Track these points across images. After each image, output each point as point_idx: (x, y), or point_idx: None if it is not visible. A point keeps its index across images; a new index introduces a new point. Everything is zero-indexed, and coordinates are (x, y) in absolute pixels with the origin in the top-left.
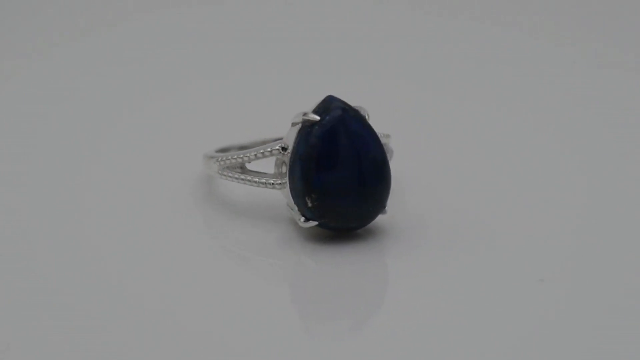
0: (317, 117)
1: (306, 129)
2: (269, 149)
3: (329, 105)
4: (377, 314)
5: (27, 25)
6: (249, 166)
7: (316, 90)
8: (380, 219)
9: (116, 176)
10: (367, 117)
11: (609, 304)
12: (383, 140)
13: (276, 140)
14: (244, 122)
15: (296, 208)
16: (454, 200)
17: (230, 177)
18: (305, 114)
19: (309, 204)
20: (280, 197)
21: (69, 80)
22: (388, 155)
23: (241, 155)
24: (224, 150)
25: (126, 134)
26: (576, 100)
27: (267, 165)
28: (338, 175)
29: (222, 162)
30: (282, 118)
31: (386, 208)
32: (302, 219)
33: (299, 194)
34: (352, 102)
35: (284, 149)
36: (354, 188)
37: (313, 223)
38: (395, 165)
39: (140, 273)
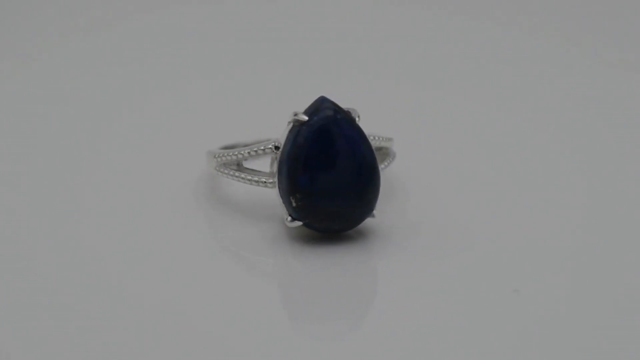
0: (306, 117)
1: (296, 129)
2: (262, 147)
3: (319, 106)
4: (373, 315)
5: (27, 25)
6: (246, 164)
7: (322, 90)
8: (373, 221)
9: (116, 176)
10: (357, 119)
11: (608, 304)
12: (385, 144)
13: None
14: (245, 122)
15: (284, 207)
16: (452, 201)
17: (226, 173)
18: (296, 114)
19: (294, 204)
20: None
21: (69, 80)
22: (389, 159)
23: (236, 153)
24: (229, 147)
25: (126, 133)
26: (576, 100)
27: (267, 164)
28: (323, 176)
29: (219, 159)
30: (286, 118)
31: (374, 212)
32: (289, 218)
33: (285, 194)
34: (353, 103)
35: (276, 147)
36: (338, 190)
37: (298, 223)
38: (394, 166)
39: (140, 273)
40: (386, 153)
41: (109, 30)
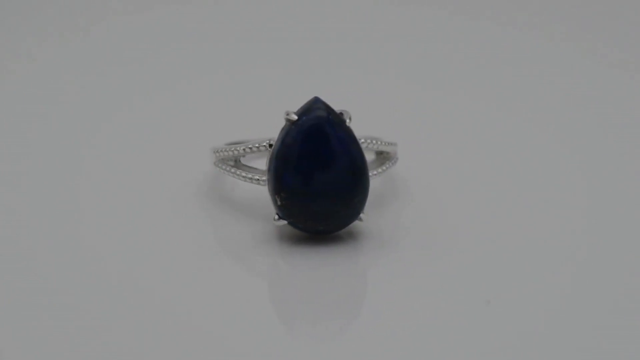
0: (295, 117)
1: (287, 128)
2: (256, 145)
3: (311, 106)
4: (366, 315)
5: (27, 25)
6: (245, 161)
7: (325, 90)
8: (370, 222)
9: (116, 175)
10: (348, 121)
11: (608, 304)
12: (385, 148)
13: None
14: (247, 122)
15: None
16: (452, 201)
17: (224, 169)
18: (287, 113)
19: (278, 202)
20: None
21: (68, 80)
22: (390, 163)
23: (233, 149)
24: (234, 143)
25: (126, 133)
26: (576, 100)
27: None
28: (308, 176)
29: (217, 155)
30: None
31: (362, 215)
32: (276, 216)
33: (271, 192)
34: (354, 103)
35: (271, 145)
36: (323, 191)
37: (283, 222)
38: (393, 167)
39: (141, 273)
40: (387, 157)
41: (109, 29)
